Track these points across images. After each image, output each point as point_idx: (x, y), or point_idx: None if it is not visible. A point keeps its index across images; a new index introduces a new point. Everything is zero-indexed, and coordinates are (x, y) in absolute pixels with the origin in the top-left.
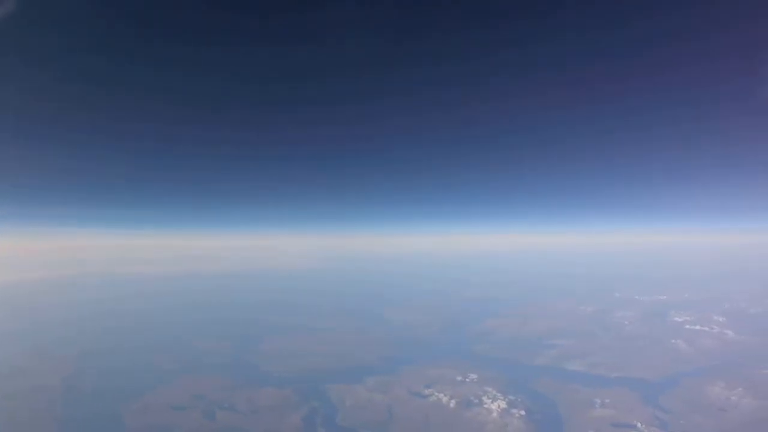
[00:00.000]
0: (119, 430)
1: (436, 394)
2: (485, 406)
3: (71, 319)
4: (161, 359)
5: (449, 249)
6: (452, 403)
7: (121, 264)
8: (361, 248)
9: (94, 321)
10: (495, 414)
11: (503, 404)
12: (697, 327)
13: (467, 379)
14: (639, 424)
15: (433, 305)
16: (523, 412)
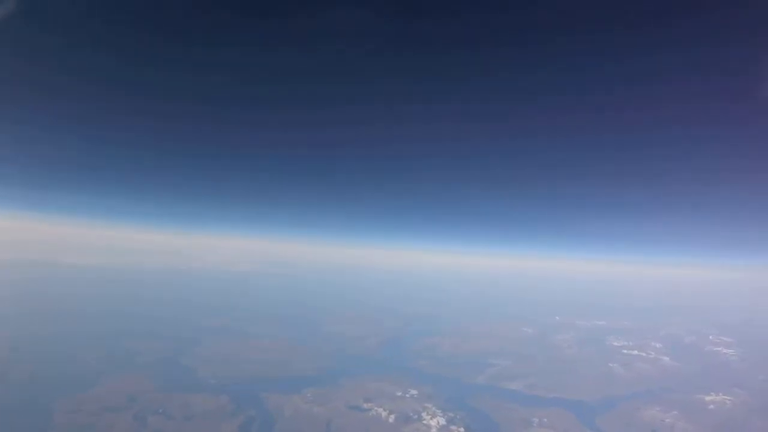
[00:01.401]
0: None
1: (376, 408)
2: (424, 422)
3: None
4: (94, 356)
5: (394, 264)
6: (391, 418)
7: (54, 252)
8: (305, 256)
9: (21, 313)
10: (434, 430)
11: (442, 420)
12: (635, 352)
13: (407, 395)
14: None
15: (374, 319)
16: (462, 429)
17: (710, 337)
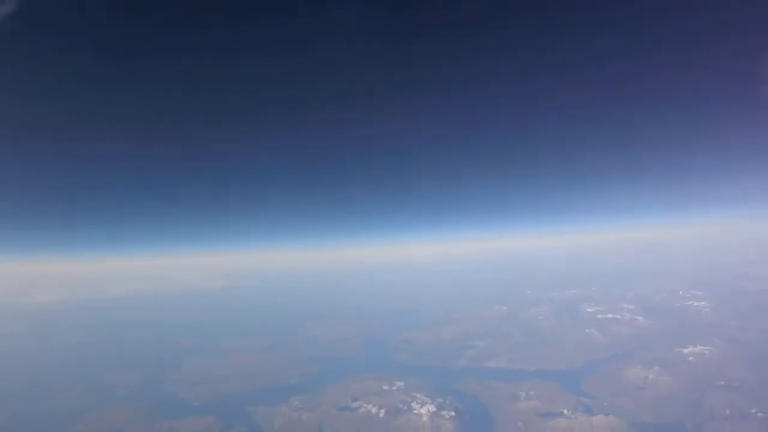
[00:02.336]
0: None
1: (365, 405)
2: (415, 411)
3: None
4: (74, 392)
5: (365, 262)
6: (382, 413)
7: (14, 293)
8: (275, 265)
9: None
10: (425, 418)
11: (432, 408)
12: (609, 316)
13: (394, 388)
14: (565, 411)
15: (351, 319)
16: (452, 413)
17: (680, 292)
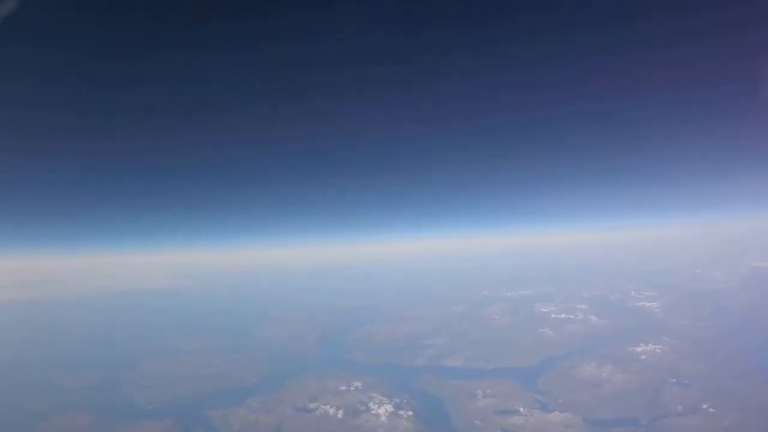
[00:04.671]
0: None
1: (323, 406)
2: (373, 412)
3: None
4: (25, 400)
5: (318, 260)
6: (340, 414)
7: None
8: (226, 263)
9: None
10: (383, 418)
11: (390, 408)
12: (563, 315)
13: (351, 388)
14: (521, 409)
15: (306, 317)
16: (410, 413)
17: (632, 293)
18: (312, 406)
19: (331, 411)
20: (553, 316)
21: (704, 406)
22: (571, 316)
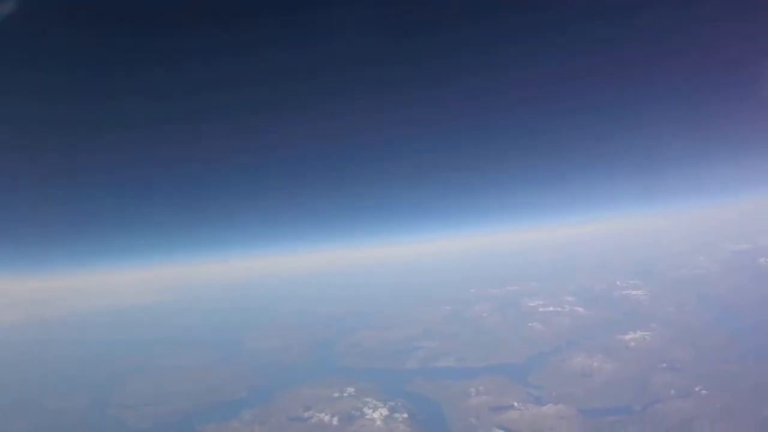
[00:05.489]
0: None
1: (317, 414)
2: (368, 417)
3: None
4: (13, 424)
5: (303, 268)
6: (335, 421)
7: None
8: (209, 277)
9: None
10: (379, 422)
11: (385, 411)
12: (550, 309)
13: (345, 394)
14: (515, 404)
15: (294, 326)
16: (405, 415)
17: (617, 283)
18: (306, 414)
19: (326, 418)
20: (541, 310)
21: (696, 389)
22: (559, 309)
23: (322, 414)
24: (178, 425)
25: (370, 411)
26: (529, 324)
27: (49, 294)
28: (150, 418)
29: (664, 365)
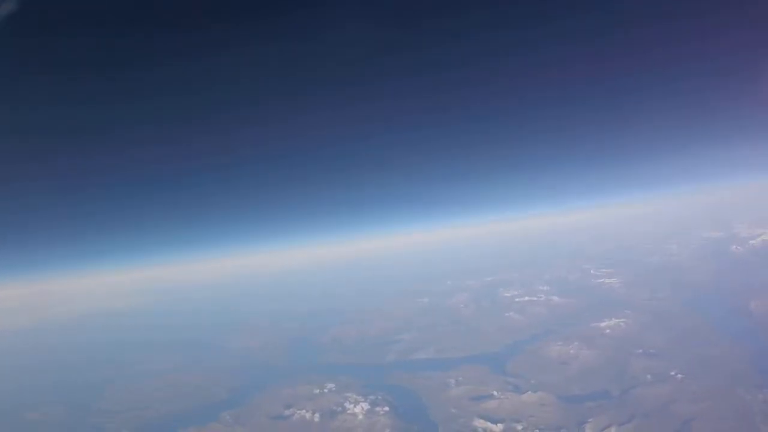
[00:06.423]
0: None
1: (298, 412)
2: (349, 411)
3: None
4: None
5: (278, 266)
6: (317, 417)
7: None
8: (181, 278)
9: None
10: (361, 417)
11: (366, 406)
12: (526, 298)
13: (325, 390)
14: (495, 393)
15: (270, 325)
16: (387, 408)
17: (591, 271)
18: (287, 412)
19: (308, 415)
20: (517, 300)
21: (672, 373)
22: (534, 299)
23: (304, 411)
24: (156, 429)
25: (352, 406)
26: (506, 314)
27: (24, 300)
28: (131, 424)
29: (640, 351)
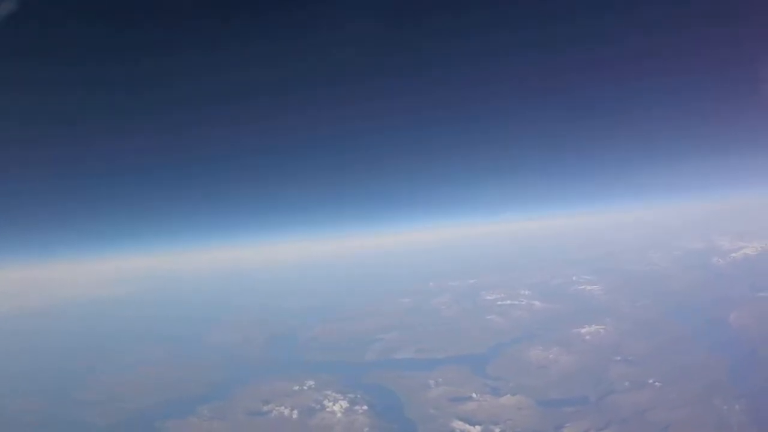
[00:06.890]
0: None
1: (277, 408)
2: (328, 409)
3: None
4: None
5: (264, 262)
6: (295, 414)
7: None
8: (166, 269)
9: None
10: (339, 415)
11: (345, 404)
12: (508, 302)
13: (305, 387)
14: (474, 395)
15: (252, 320)
16: (365, 407)
17: (573, 277)
18: (266, 408)
19: (286, 412)
20: (499, 303)
21: (650, 381)
22: (516, 303)
23: (282, 408)
24: (138, 422)
25: (330, 404)
26: (488, 316)
27: (3, 286)
28: (111, 415)
29: (619, 358)
